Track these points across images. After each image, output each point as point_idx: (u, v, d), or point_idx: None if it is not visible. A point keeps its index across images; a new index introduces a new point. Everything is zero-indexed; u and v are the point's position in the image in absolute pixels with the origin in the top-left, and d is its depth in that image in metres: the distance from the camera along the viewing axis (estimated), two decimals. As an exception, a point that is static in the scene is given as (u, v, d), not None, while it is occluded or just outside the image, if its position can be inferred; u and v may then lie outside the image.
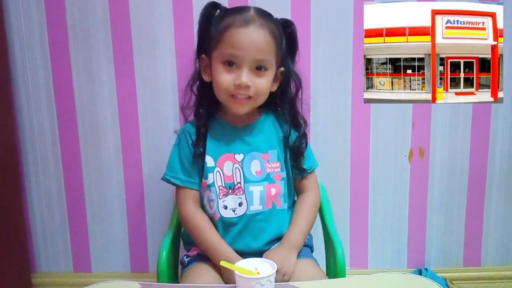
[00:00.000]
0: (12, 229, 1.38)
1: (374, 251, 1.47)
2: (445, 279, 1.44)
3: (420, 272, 1.43)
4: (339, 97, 1.37)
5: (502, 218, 1.46)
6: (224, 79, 1.01)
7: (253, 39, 0.99)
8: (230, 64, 1.01)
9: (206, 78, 1.08)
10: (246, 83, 1.00)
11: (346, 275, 1.08)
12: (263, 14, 1.03)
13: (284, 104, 1.12)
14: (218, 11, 1.07)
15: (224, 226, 1.08)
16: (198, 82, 1.13)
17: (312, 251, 1.15)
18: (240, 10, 1.04)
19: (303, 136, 1.11)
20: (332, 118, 1.38)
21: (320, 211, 1.21)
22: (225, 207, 1.07)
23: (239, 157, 1.08)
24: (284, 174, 1.10)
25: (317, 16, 1.32)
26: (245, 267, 0.88)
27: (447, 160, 1.42)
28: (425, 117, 1.39)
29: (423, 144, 1.41)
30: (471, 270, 1.49)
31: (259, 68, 1.02)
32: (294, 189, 1.16)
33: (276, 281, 0.89)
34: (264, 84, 1.03)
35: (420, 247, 1.47)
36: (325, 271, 1.14)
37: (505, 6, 1.31)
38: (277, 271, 0.90)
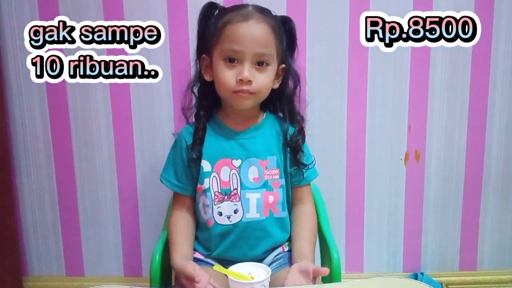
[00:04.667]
0: (4, 232, 1.36)
1: (369, 254, 1.46)
2: (441, 284, 1.44)
3: (416, 276, 1.42)
4: (335, 101, 1.37)
5: (498, 222, 1.46)
6: (226, 75, 1.00)
7: (253, 32, 0.99)
8: (231, 60, 1.00)
9: (207, 77, 1.07)
10: (248, 77, 0.98)
11: (342, 279, 1.07)
12: (262, 10, 1.03)
13: (282, 100, 1.11)
14: (217, 10, 1.06)
15: (219, 234, 1.06)
16: (199, 84, 1.12)
17: None
18: (239, 7, 1.04)
19: (300, 132, 1.10)
20: (328, 122, 1.38)
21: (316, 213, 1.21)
22: (220, 214, 1.05)
23: (237, 162, 1.06)
24: (283, 182, 1.08)
25: (312, 14, 1.32)
26: (238, 271, 0.87)
27: (443, 163, 1.42)
28: (421, 120, 1.39)
29: (419, 147, 1.40)
30: (467, 274, 1.49)
31: (260, 64, 1.01)
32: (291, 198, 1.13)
33: None
34: (266, 79, 1.02)
35: (416, 251, 1.47)
36: (320, 275, 1.12)
37: (503, 5, 1.32)
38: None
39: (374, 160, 1.40)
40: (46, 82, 1.34)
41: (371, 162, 1.40)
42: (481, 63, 1.36)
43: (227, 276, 0.87)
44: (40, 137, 1.39)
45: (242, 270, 0.87)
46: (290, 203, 1.13)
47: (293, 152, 1.09)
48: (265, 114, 1.12)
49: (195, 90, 1.13)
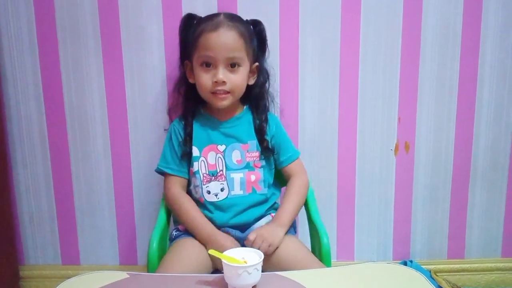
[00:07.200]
0: (0, 222, 1.37)
1: (360, 243, 1.49)
2: (430, 271, 1.47)
3: (405, 264, 1.45)
4: (327, 92, 1.39)
5: (485, 212, 1.49)
6: (204, 78, 1.14)
7: (222, 40, 1.12)
8: (207, 65, 1.13)
9: (191, 80, 1.20)
10: (222, 79, 1.12)
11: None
12: (231, 18, 1.16)
13: (252, 95, 1.23)
14: (195, 21, 1.19)
15: (210, 208, 1.17)
16: (184, 86, 1.24)
17: (295, 231, 1.24)
18: (211, 16, 1.16)
19: (265, 120, 1.22)
20: (320, 113, 1.40)
21: (305, 202, 1.24)
22: (208, 192, 1.17)
23: (221, 147, 1.19)
24: (263, 162, 1.20)
25: (305, 11, 1.34)
26: (233, 256, 0.89)
27: (432, 154, 1.44)
28: (411, 111, 1.41)
29: (408, 138, 1.43)
30: (455, 262, 1.52)
31: (233, 65, 1.14)
32: (284, 177, 1.25)
33: (262, 250, 0.95)
34: (238, 79, 1.15)
35: (405, 240, 1.50)
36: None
37: (491, 4, 1.35)
38: (263, 241, 1.05)
39: (365, 151, 1.43)
40: (41, 73, 1.36)
41: (362, 152, 1.43)
42: (470, 56, 1.38)
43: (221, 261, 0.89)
44: (35, 127, 1.40)
45: (236, 255, 0.90)
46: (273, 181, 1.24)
47: (259, 138, 1.20)
48: (245, 106, 1.24)
49: (181, 91, 1.25)
